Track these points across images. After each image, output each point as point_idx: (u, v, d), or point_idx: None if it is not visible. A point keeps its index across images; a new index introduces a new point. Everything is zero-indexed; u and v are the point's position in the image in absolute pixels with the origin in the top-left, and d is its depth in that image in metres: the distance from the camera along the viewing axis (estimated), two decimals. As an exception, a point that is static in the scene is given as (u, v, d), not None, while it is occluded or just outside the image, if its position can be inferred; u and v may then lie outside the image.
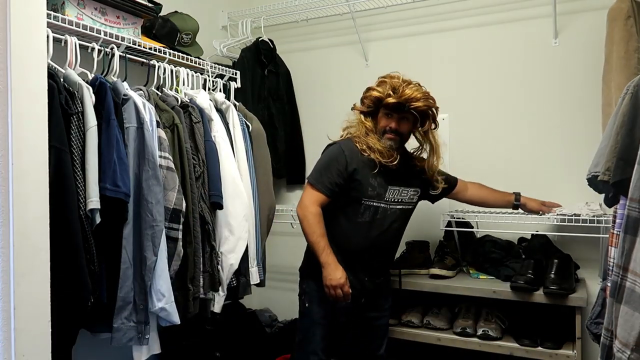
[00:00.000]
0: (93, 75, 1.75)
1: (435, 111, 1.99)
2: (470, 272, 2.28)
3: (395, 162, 1.94)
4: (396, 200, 1.99)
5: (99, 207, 1.56)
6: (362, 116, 2.01)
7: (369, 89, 2.01)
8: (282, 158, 2.77)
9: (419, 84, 1.97)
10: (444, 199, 2.21)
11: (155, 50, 2.06)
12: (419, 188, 2.06)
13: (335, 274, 1.86)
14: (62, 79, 1.61)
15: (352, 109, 2.08)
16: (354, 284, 1.94)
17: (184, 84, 2.14)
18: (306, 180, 2.02)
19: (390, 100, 1.91)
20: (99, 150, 1.60)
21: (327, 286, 1.87)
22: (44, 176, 1.28)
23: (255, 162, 2.34)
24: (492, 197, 2.23)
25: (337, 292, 1.86)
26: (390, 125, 1.95)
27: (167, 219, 1.76)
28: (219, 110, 2.22)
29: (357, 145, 1.96)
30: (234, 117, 2.27)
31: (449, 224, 2.37)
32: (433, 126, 2.01)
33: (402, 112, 1.94)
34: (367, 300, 2.02)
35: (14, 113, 1.20)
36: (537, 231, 2.26)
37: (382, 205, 1.96)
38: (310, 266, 1.98)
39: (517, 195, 2.19)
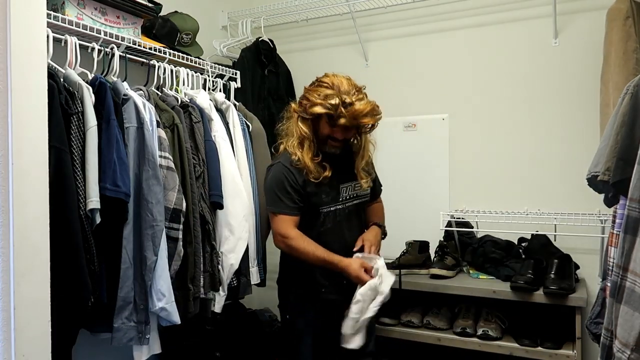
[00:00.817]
0: (93, 75, 1.75)
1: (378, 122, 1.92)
2: (470, 272, 2.28)
3: (324, 175, 1.86)
4: (351, 196, 1.97)
5: (99, 207, 1.56)
6: (299, 118, 1.88)
7: (314, 104, 1.82)
8: (282, 158, 2.76)
9: (361, 91, 1.86)
10: (446, 198, 2.22)
11: (155, 50, 2.06)
12: (369, 179, 2.01)
13: (349, 265, 1.82)
14: (62, 79, 1.60)
15: (285, 111, 1.98)
16: (332, 290, 1.91)
17: (184, 84, 2.14)
18: (269, 209, 1.91)
19: (342, 121, 1.79)
20: (99, 150, 1.60)
21: (353, 278, 1.81)
22: (44, 176, 1.28)
23: (256, 161, 2.34)
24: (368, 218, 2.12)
25: (362, 277, 1.80)
26: (336, 135, 1.86)
27: (168, 219, 1.76)
28: (219, 110, 2.22)
29: (292, 157, 1.87)
30: (234, 117, 2.27)
31: (449, 224, 2.37)
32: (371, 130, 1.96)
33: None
34: (348, 300, 1.91)
35: (14, 113, 1.20)
36: (537, 231, 2.26)
37: (339, 207, 1.93)
38: (287, 278, 1.99)
39: (375, 223, 2.07)
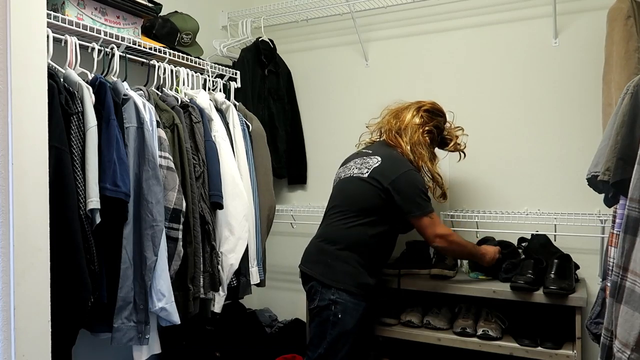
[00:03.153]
0: (93, 75, 1.76)
1: None
2: (469, 272, 2.28)
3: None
4: None
5: (99, 207, 1.56)
6: (425, 132, 2.08)
7: (442, 113, 2.16)
8: (282, 158, 2.77)
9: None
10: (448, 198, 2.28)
11: (155, 50, 2.06)
12: None
13: (491, 253, 2.10)
14: (62, 79, 1.61)
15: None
16: (378, 288, 2.06)
17: (184, 84, 2.14)
18: (417, 216, 1.96)
19: (453, 143, 2.18)
20: (99, 150, 1.60)
21: (492, 260, 2.11)
22: (44, 176, 1.28)
23: (256, 162, 2.34)
24: None
25: (497, 256, 2.11)
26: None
27: (167, 219, 1.76)
28: (219, 110, 2.22)
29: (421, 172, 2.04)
30: (234, 117, 2.27)
31: (449, 224, 2.37)
32: None
33: None
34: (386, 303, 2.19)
35: (14, 113, 1.20)
36: (537, 231, 2.26)
37: None
38: (346, 279, 1.95)
39: None
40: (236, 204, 2.09)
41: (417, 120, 2.06)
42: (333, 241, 2.00)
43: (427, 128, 2.07)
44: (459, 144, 2.18)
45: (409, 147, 2.02)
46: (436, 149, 2.18)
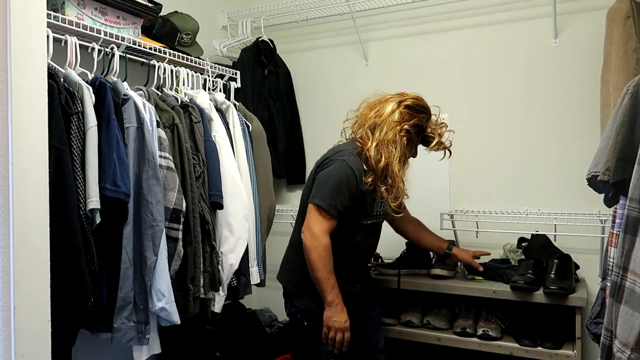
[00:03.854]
0: (93, 75, 1.76)
1: None
2: (466, 272, 2.27)
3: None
4: (381, 212, 1.93)
5: (99, 207, 1.56)
6: (402, 130, 1.83)
7: (426, 110, 1.89)
8: (282, 158, 2.77)
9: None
10: (446, 198, 2.21)
11: (155, 50, 2.06)
12: None
13: (341, 316, 1.76)
14: (62, 79, 1.61)
15: (397, 107, 1.85)
16: (349, 293, 1.86)
17: (184, 84, 2.14)
18: (312, 202, 1.79)
19: (436, 142, 1.90)
20: (99, 150, 1.60)
21: (329, 327, 1.77)
22: (44, 176, 1.28)
23: (255, 162, 2.34)
24: (427, 239, 2.20)
25: (337, 336, 1.76)
26: (414, 154, 1.96)
27: (167, 219, 1.76)
28: (219, 110, 2.22)
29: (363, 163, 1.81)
30: (234, 117, 2.27)
31: (449, 224, 2.37)
32: None
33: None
34: (359, 302, 1.95)
35: (14, 113, 1.20)
36: (537, 231, 2.26)
37: (372, 221, 1.92)
38: (307, 284, 1.82)
39: (451, 244, 2.18)
40: (236, 204, 2.09)
41: (396, 116, 1.83)
42: (292, 244, 1.96)
43: (405, 127, 1.83)
44: (442, 143, 1.92)
45: (374, 145, 1.78)
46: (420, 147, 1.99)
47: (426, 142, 1.94)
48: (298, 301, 1.91)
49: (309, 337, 1.90)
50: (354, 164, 1.81)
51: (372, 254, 2.10)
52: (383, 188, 1.80)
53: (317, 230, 1.76)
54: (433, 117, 1.93)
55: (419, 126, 1.88)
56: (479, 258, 2.18)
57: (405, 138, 1.84)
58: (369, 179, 1.80)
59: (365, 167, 1.81)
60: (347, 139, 1.99)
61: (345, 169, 1.79)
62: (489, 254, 2.21)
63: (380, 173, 1.80)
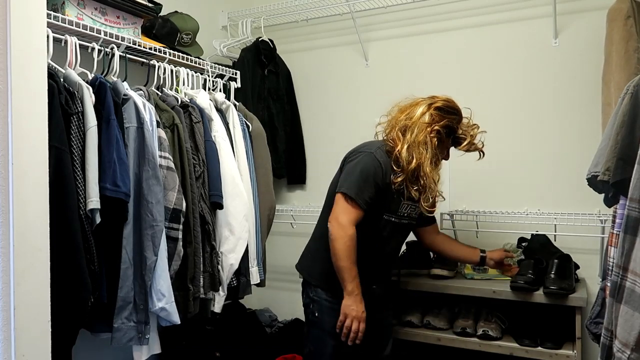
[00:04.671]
0: (93, 75, 1.76)
1: None
2: (465, 272, 2.28)
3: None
4: (406, 214, 1.93)
5: (99, 207, 1.56)
6: (433, 132, 1.86)
7: (456, 111, 1.93)
8: (282, 158, 2.77)
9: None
10: (446, 198, 2.20)
11: (155, 50, 2.06)
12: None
13: (359, 306, 1.78)
14: (62, 79, 1.61)
15: (430, 108, 1.88)
16: (364, 292, 1.84)
17: (184, 84, 2.14)
18: (340, 192, 1.82)
19: (472, 140, 1.92)
20: (99, 150, 1.60)
21: (346, 315, 1.78)
22: (44, 176, 1.28)
23: (255, 162, 2.34)
24: (461, 250, 2.16)
25: (353, 325, 1.77)
26: (446, 156, 1.97)
27: (167, 219, 1.76)
28: (219, 110, 2.22)
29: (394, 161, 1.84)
30: (234, 117, 2.27)
31: (449, 224, 2.37)
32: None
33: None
34: (373, 304, 1.93)
35: (14, 113, 1.20)
36: (537, 231, 2.26)
37: (394, 219, 1.91)
38: (323, 275, 1.88)
39: (483, 250, 2.13)
40: (236, 204, 2.09)
41: (426, 118, 1.86)
42: (314, 235, 2.00)
43: (435, 127, 1.86)
44: (474, 144, 1.96)
45: (405, 146, 1.81)
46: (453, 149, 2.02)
47: (457, 143, 1.97)
48: (312, 292, 1.93)
49: (318, 329, 1.91)
50: (381, 157, 1.84)
51: (394, 257, 2.08)
52: (414, 189, 1.83)
53: (344, 220, 1.78)
54: (465, 120, 1.96)
55: (449, 127, 1.91)
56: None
57: (435, 139, 1.87)
58: (399, 179, 1.83)
59: (395, 167, 1.83)
60: None
61: (373, 160, 1.83)
62: (513, 257, 2.18)
63: (412, 174, 1.82)
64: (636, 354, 1.20)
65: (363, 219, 1.82)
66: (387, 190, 1.84)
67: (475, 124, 1.99)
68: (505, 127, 2.46)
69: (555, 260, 2.06)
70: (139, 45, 1.97)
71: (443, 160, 2.01)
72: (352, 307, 1.78)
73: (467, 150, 1.97)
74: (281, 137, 2.75)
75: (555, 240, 2.22)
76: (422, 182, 1.83)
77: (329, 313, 1.85)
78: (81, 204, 1.54)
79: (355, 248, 1.79)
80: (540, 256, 2.12)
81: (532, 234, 2.26)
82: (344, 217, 1.79)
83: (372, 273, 1.95)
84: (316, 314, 1.91)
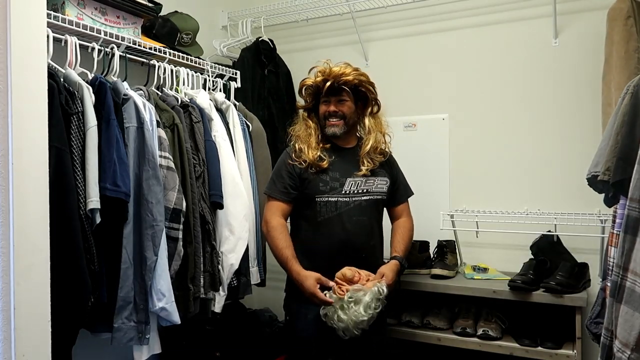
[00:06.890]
0: (93, 75, 1.76)
1: (371, 89, 1.97)
2: (465, 272, 2.28)
3: (325, 164, 1.90)
4: (361, 191, 1.91)
5: (99, 207, 1.56)
6: (305, 113, 2.01)
7: (301, 83, 2.03)
8: (282, 158, 2.76)
9: (349, 64, 1.96)
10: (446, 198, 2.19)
11: (155, 50, 2.06)
12: (387, 177, 1.99)
13: (306, 282, 1.77)
14: (62, 79, 1.61)
15: (297, 109, 2.10)
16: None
17: (184, 84, 2.14)
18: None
19: (319, 79, 1.91)
20: (99, 150, 1.60)
21: (307, 294, 1.77)
22: (44, 176, 1.28)
23: (256, 161, 2.34)
24: (392, 241, 2.02)
25: (314, 301, 1.76)
26: (329, 109, 1.93)
27: (168, 219, 1.76)
28: (219, 110, 2.22)
29: (296, 145, 1.94)
30: (234, 116, 2.27)
31: (449, 224, 2.37)
32: (376, 109, 2.00)
33: (337, 95, 1.92)
34: None
35: (14, 113, 1.20)
36: (549, 231, 2.24)
37: (340, 199, 1.89)
38: (288, 283, 1.94)
39: (397, 258, 1.94)
40: (236, 203, 2.09)
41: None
42: None
43: (301, 112, 2.06)
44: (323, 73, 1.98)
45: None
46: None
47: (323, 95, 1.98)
48: (287, 297, 1.99)
49: (293, 334, 1.95)
50: (290, 150, 1.98)
51: (350, 245, 1.88)
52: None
53: (266, 215, 1.93)
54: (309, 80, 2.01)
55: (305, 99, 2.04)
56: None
57: (305, 114, 2.03)
58: (304, 165, 1.91)
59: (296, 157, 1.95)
60: None
61: (283, 154, 2.00)
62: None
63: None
64: (636, 354, 1.20)
65: (299, 207, 1.92)
66: (305, 176, 1.90)
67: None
68: (505, 127, 2.46)
69: (567, 264, 2.05)
70: (139, 45, 1.97)
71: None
72: (303, 287, 1.77)
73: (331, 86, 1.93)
74: (281, 137, 2.75)
75: (555, 240, 2.22)
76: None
77: (299, 317, 1.89)
78: (81, 203, 1.54)
79: (284, 235, 1.88)
80: (549, 256, 2.12)
81: (541, 235, 2.24)
82: (266, 213, 1.93)
83: (336, 266, 1.82)
84: (288, 318, 1.99)
